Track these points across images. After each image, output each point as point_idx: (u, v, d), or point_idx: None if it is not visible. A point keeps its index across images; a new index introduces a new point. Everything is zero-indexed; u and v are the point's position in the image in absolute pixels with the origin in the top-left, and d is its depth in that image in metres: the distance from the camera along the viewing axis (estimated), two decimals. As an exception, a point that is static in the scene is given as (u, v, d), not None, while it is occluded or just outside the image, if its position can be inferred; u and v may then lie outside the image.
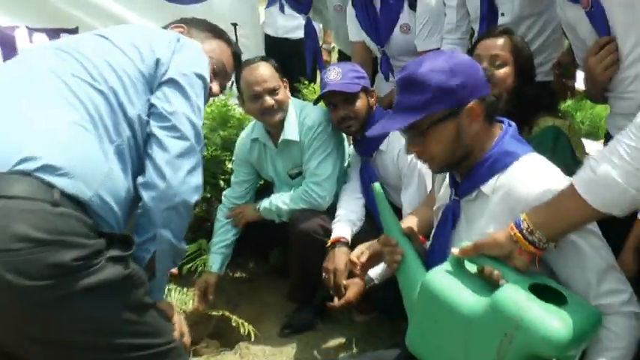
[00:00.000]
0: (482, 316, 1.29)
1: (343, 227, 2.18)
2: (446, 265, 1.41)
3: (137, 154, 1.37)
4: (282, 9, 3.87)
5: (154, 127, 1.36)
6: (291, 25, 3.59)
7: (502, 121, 1.45)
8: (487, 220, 1.39)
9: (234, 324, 2.36)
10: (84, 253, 1.14)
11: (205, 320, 2.51)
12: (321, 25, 3.86)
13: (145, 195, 1.33)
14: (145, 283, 1.30)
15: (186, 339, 1.51)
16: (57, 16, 3.05)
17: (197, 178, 1.40)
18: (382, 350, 1.66)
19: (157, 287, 1.43)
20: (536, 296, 1.22)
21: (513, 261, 1.26)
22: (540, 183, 1.30)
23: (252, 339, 2.37)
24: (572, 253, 1.27)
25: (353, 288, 2.01)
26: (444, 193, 1.58)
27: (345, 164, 2.51)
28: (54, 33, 3.05)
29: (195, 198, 1.39)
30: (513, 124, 1.45)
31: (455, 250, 1.36)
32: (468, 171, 1.43)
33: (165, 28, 1.72)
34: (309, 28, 3.12)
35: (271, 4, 4.05)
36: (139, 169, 1.37)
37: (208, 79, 1.52)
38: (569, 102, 2.99)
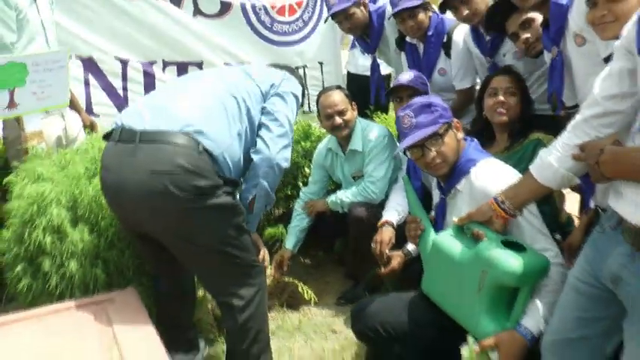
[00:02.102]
0: (469, 260, 1.88)
1: (390, 213, 2.75)
2: (449, 231, 2.02)
3: (251, 137, 2.14)
4: (363, 52, 4.57)
5: (264, 119, 2.16)
6: (369, 64, 4.24)
7: (466, 139, 2.12)
8: (462, 207, 2.02)
9: (300, 289, 3.00)
10: (211, 183, 1.89)
11: (279, 292, 3.16)
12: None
13: (255, 157, 2.10)
14: (244, 214, 2.05)
15: (267, 264, 2.22)
16: (187, 52, 3.89)
17: (288, 152, 2.18)
18: (404, 292, 2.24)
19: (253, 221, 2.17)
20: (505, 246, 1.80)
21: (493, 225, 1.84)
22: (488, 177, 1.96)
23: (313, 304, 3.01)
24: (515, 225, 1.87)
25: (396, 259, 2.58)
26: (435, 196, 2.24)
27: (399, 171, 3.10)
28: (183, 65, 3.89)
29: (285, 164, 2.16)
30: (475, 140, 2.13)
31: (455, 219, 1.97)
32: (447, 178, 2.09)
33: None
34: (374, 66, 3.75)
35: (354, 47, 4.78)
36: (249, 146, 2.13)
37: (300, 98, 2.35)
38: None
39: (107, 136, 2.03)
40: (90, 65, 3.68)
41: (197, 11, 3.94)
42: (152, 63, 3.84)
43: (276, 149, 2.12)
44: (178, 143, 1.86)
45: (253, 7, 4.10)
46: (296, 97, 2.29)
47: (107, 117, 3.63)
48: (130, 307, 2.01)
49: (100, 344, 1.79)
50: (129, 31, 3.73)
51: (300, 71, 4.29)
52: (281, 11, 4.23)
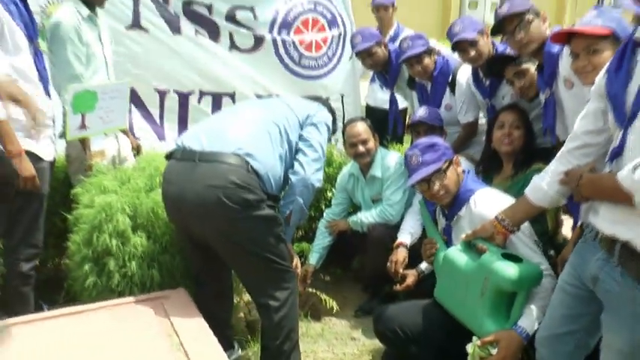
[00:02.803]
0: (474, 270, 2.21)
1: (404, 236, 3.10)
2: (458, 246, 2.36)
3: (290, 159, 2.50)
4: (381, 86, 4.95)
5: (301, 145, 2.51)
6: (387, 98, 4.56)
7: (464, 171, 2.51)
8: (464, 229, 2.38)
9: (322, 300, 3.32)
10: (257, 197, 2.24)
11: (302, 303, 3.45)
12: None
13: (293, 177, 2.45)
14: (282, 225, 2.39)
15: (298, 271, 2.56)
16: (221, 83, 4.28)
17: (320, 174, 2.53)
18: (419, 300, 2.56)
19: (289, 232, 2.52)
20: (504, 258, 2.12)
21: (495, 240, 2.18)
22: (484, 204, 2.34)
23: (334, 314, 3.33)
24: (509, 244, 2.21)
25: (410, 277, 2.91)
26: (441, 222, 2.61)
27: (414, 196, 3.43)
28: (218, 96, 4.28)
29: (318, 184, 2.51)
30: (472, 170, 2.56)
31: (462, 236, 2.30)
32: (450, 206, 2.46)
33: None
34: (392, 99, 4.15)
35: (373, 82, 5.16)
36: (288, 167, 2.48)
37: (331, 127, 2.71)
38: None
39: (169, 156, 2.40)
40: (132, 95, 4.07)
41: (233, 46, 4.32)
42: (190, 93, 4.23)
43: (310, 171, 2.47)
44: (232, 163, 2.23)
45: (284, 42, 4.48)
46: (328, 126, 2.65)
47: (146, 140, 4.02)
48: (182, 303, 2.35)
49: (160, 331, 2.13)
50: (171, 63, 4.12)
51: (324, 103, 4.68)
52: (308, 47, 4.60)
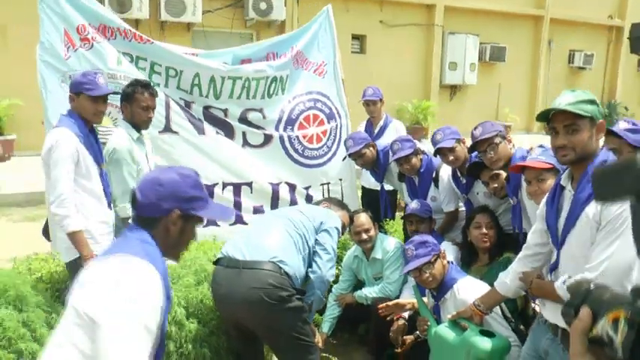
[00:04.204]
0: (459, 344, 2.86)
1: (402, 309, 3.75)
2: (446, 324, 3.01)
3: (308, 260, 3.15)
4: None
5: (317, 248, 3.17)
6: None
7: (449, 262, 3.17)
8: (450, 310, 3.02)
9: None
10: (289, 293, 2.90)
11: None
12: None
13: (312, 276, 3.11)
14: (307, 312, 3.04)
15: (321, 345, 3.19)
16: (240, 175, 4.95)
17: (333, 270, 3.20)
18: (416, 365, 3.20)
19: (311, 317, 3.15)
20: (482, 334, 2.77)
21: (473, 319, 2.83)
22: (466, 291, 2.96)
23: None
24: (485, 322, 2.85)
25: (409, 341, 3.56)
26: (431, 302, 3.24)
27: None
28: (238, 185, 4.93)
29: (331, 279, 3.18)
30: (454, 263, 3.19)
31: (449, 316, 2.96)
32: (437, 291, 3.10)
33: (318, 203, 3.59)
34: (382, 192, 4.87)
35: (367, 168, 5.89)
36: (308, 266, 3.13)
37: (341, 230, 3.33)
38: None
39: (217, 261, 3.06)
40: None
41: (245, 143, 5.01)
42: (214, 184, 4.86)
43: (325, 270, 3.16)
44: (268, 269, 2.90)
45: (289, 137, 5.19)
46: (337, 229, 3.35)
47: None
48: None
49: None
50: (197, 160, 4.73)
51: (325, 187, 5.37)
52: (310, 140, 5.32)
